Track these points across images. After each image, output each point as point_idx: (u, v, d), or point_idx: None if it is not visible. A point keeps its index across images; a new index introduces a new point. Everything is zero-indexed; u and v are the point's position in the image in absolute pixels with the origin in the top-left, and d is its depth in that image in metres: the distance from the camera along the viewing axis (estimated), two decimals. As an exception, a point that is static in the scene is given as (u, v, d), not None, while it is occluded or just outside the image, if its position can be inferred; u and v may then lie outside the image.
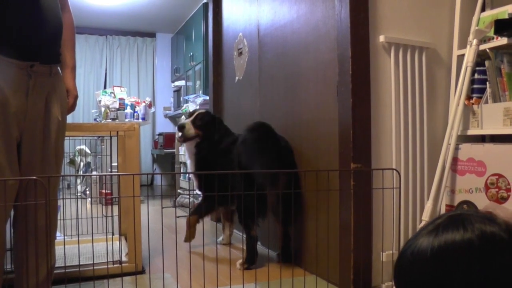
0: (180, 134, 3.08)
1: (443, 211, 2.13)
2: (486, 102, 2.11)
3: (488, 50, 2.09)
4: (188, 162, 3.20)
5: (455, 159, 2.14)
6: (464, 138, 2.20)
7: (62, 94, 1.92)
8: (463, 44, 2.24)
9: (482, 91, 2.14)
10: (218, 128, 3.09)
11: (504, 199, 1.93)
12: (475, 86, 2.18)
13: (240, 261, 2.58)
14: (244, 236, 2.56)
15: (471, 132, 2.17)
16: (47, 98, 1.82)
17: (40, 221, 1.71)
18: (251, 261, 2.58)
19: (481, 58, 2.14)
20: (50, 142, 1.83)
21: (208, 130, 3.06)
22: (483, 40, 2.13)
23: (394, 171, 2.12)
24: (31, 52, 1.75)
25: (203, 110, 3.25)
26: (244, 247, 2.47)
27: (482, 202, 2.00)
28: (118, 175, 1.83)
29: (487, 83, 2.10)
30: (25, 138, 1.76)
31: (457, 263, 0.73)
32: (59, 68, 1.94)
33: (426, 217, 2.09)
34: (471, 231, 0.74)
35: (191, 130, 3.04)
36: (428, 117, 2.32)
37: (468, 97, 2.17)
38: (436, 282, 0.74)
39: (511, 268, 0.73)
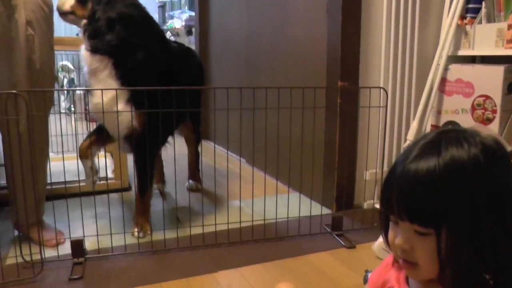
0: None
1: (428, 131, 2.15)
2: (480, 22, 2.05)
3: (486, -34, 2.01)
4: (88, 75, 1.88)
5: (443, 80, 2.12)
6: (454, 59, 2.17)
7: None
8: (460, -41, 2.15)
9: (476, 11, 2.08)
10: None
11: (489, 121, 1.93)
12: (470, 5, 2.10)
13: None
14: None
15: (462, 52, 2.13)
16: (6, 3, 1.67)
17: (25, 137, 1.68)
18: None
19: (478, -25, 2.06)
20: (20, 53, 1.71)
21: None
22: (482, -45, 2.04)
23: (382, 89, 2.11)
24: None
25: None
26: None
27: (467, 123, 2.00)
28: (102, 90, 1.78)
29: (483, 2, 2.04)
30: None
31: (465, 181, 0.69)
32: None
33: (411, 136, 2.11)
34: (474, 146, 0.71)
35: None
36: (419, 37, 2.27)
37: (462, 17, 2.11)
38: (443, 204, 0.69)
39: (508, 180, 0.71)
